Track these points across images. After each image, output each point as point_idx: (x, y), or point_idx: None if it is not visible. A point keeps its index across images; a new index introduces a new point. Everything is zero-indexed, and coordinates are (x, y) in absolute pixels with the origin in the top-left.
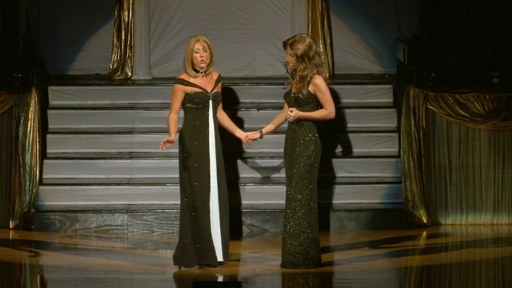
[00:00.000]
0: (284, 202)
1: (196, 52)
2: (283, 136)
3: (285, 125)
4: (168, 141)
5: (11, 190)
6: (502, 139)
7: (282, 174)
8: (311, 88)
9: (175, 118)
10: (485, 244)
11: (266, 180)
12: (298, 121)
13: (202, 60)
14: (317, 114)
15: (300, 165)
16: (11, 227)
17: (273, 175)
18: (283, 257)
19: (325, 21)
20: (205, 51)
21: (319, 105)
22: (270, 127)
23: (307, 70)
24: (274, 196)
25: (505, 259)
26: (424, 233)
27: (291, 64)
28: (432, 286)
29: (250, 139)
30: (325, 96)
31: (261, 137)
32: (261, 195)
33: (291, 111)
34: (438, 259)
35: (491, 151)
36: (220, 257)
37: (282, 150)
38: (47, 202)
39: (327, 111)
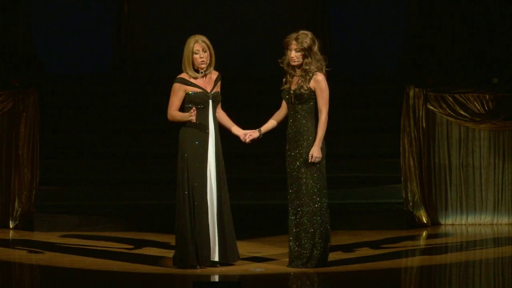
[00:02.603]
0: (285, 202)
1: (196, 53)
2: (283, 135)
3: (285, 125)
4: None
5: (11, 190)
6: (502, 139)
7: (282, 174)
8: (312, 84)
9: (176, 112)
10: (485, 244)
11: (267, 180)
12: (300, 121)
13: (202, 61)
14: (321, 131)
15: (308, 165)
16: (11, 227)
17: (274, 175)
18: (290, 257)
19: (325, 21)
20: (205, 52)
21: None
22: (268, 125)
23: (311, 65)
24: (274, 196)
25: (505, 259)
26: (424, 233)
27: (296, 60)
28: (432, 286)
29: (249, 138)
30: (323, 94)
31: (259, 136)
32: (261, 195)
33: (311, 157)
34: (438, 259)
35: (491, 151)
36: (216, 257)
37: (282, 149)
38: (47, 202)
39: (323, 116)
